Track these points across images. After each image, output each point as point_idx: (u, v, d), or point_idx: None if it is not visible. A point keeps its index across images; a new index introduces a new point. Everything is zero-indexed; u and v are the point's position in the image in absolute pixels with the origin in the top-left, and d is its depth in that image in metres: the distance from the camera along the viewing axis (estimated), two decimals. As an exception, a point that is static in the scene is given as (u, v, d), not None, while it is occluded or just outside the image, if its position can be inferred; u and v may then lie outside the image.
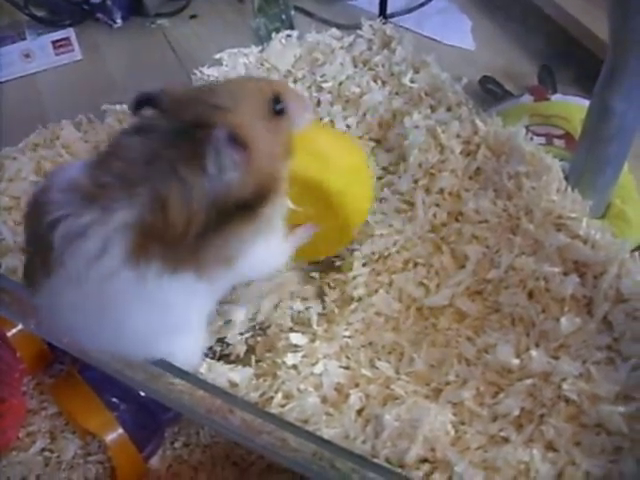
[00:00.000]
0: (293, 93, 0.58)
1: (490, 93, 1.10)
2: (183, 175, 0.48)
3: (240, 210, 0.51)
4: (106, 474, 0.79)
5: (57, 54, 1.08)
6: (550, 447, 0.56)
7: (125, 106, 0.87)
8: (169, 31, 1.12)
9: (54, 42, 1.09)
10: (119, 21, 1.12)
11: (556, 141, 0.96)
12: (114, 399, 0.75)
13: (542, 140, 0.96)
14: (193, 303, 0.54)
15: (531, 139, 0.78)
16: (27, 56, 1.07)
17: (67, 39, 1.10)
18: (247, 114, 0.51)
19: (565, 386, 0.58)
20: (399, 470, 0.54)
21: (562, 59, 1.08)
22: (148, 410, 0.76)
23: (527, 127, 0.90)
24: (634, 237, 0.74)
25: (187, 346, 0.58)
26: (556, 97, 1.05)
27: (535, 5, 1.08)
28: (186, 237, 0.49)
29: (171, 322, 0.54)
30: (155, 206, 0.48)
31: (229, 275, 0.55)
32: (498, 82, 1.12)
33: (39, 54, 1.08)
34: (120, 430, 0.73)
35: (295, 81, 0.88)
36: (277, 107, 0.54)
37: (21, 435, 0.83)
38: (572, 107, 0.94)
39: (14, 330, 0.81)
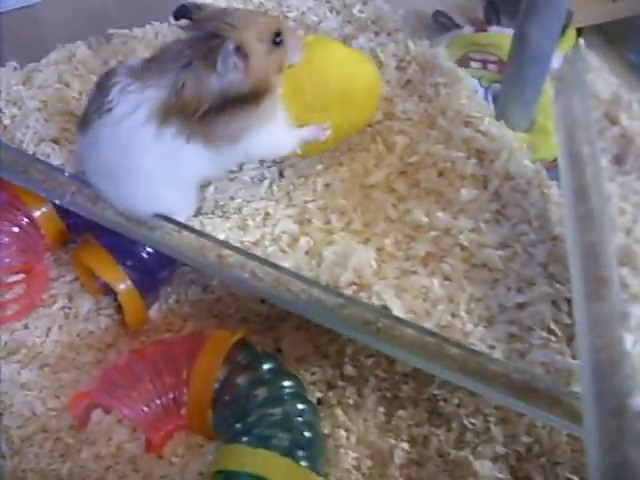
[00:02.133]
0: (293, 33, 0.76)
1: (442, 25, 1.27)
2: (198, 69, 0.68)
3: (241, 102, 0.71)
4: (115, 324, 0.97)
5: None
6: (446, 278, 0.74)
7: (127, 30, 1.03)
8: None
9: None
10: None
11: (490, 66, 1.14)
12: (123, 259, 0.91)
13: (478, 65, 1.14)
14: (198, 165, 0.75)
15: (468, 65, 0.96)
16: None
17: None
18: (252, 36, 0.70)
19: (461, 237, 0.76)
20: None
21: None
22: (149, 269, 0.93)
23: (466, 54, 1.08)
24: (553, 148, 0.91)
25: (184, 198, 0.78)
26: (492, 29, 1.21)
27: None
28: (197, 114, 0.69)
29: (176, 174, 0.74)
30: (176, 88, 0.69)
31: (235, 151, 0.75)
32: (448, 16, 1.28)
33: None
34: (129, 282, 0.90)
35: (266, 11, 1.04)
36: (277, 39, 0.72)
37: (44, 297, 1.00)
38: (505, 37, 1.08)
39: (39, 212, 0.97)
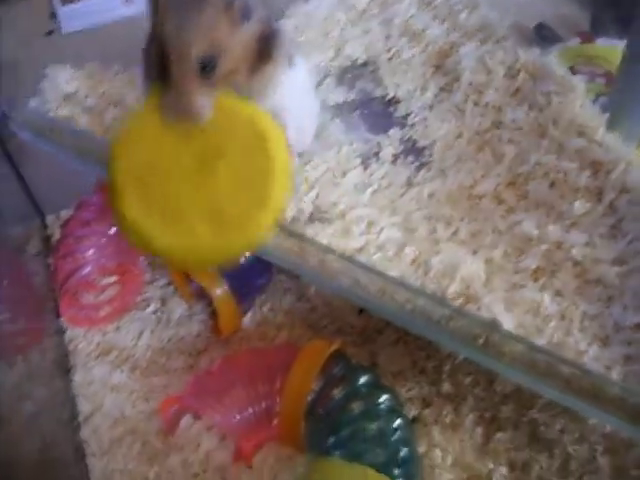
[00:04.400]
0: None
1: (544, 39, 1.23)
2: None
3: None
4: (207, 330, 0.97)
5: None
6: (558, 294, 0.70)
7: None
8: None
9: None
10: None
11: (598, 79, 1.10)
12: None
13: (586, 77, 1.10)
14: None
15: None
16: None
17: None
18: None
19: (574, 251, 0.71)
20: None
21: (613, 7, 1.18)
22: (245, 275, 0.92)
23: (572, 66, 1.04)
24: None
25: None
26: (600, 40, 1.18)
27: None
28: None
29: None
30: None
31: None
32: (551, 28, 1.25)
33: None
34: (225, 287, 0.89)
35: (370, 18, 1.03)
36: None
37: (138, 300, 1.01)
38: (614, 49, 1.05)
39: None
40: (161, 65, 0.62)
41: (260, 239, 0.64)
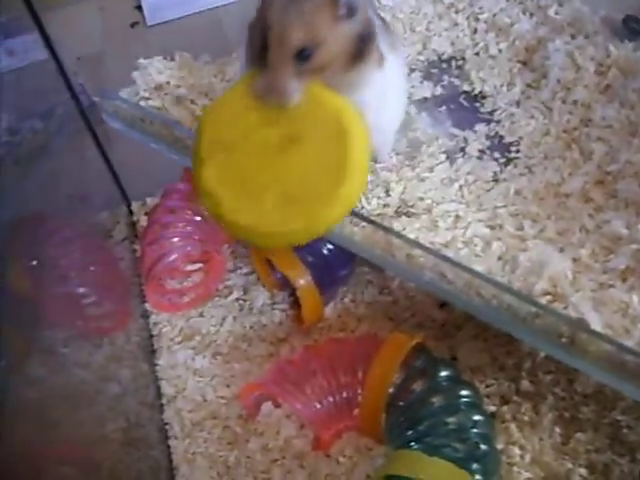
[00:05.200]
0: None
1: (632, 31, 1.20)
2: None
3: None
4: (289, 319, 0.98)
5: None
6: None
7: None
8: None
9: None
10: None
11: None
12: (304, 255, 0.91)
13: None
14: None
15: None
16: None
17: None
18: None
19: None
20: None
21: None
22: (329, 266, 0.93)
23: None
24: None
25: None
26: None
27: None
28: None
29: None
30: None
31: None
32: (640, 20, 1.21)
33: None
34: (309, 277, 0.90)
35: (457, 12, 1.03)
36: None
37: (221, 287, 1.03)
38: None
39: None
40: (262, 47, 0.65)
41: (321, 232, 0.66)
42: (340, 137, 0.65)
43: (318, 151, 0.65)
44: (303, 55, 0.64)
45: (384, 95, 0.75)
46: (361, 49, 0.68)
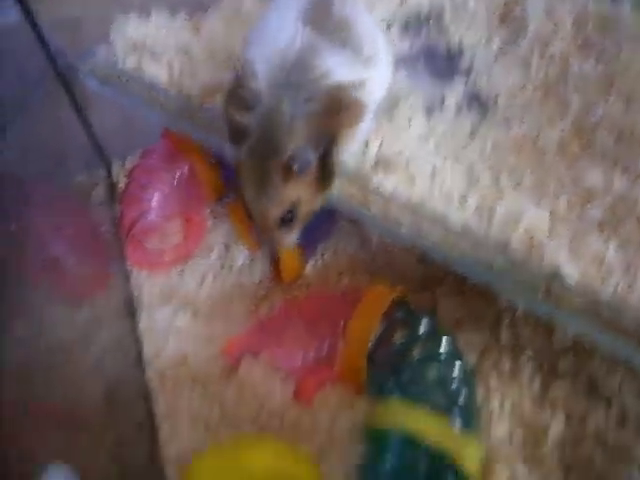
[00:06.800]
0: None
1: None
2: None
3: None
4: (269, 277, 0.98)
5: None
6: (622, 246, 0.70)
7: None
8: None
9: None
10: None
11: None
12: None
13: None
14: None
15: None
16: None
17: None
18: None
19: (639, 207, 0.72)
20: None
21: None
22: (308, 224, 0.93)
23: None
24: None
25: None
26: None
27: None
28: None
29: None
30: None
31: None
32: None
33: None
34: None
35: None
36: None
37: (201, 247, 1.03)
38: None
39: (198, 163, 0.99)
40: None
41: None
42: None
43: None
44: (287, 219, 0.71)
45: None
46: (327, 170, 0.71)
